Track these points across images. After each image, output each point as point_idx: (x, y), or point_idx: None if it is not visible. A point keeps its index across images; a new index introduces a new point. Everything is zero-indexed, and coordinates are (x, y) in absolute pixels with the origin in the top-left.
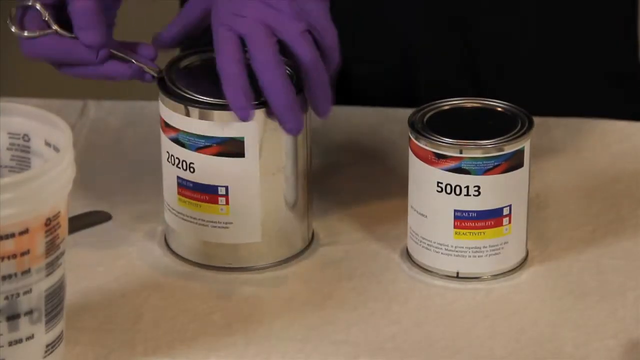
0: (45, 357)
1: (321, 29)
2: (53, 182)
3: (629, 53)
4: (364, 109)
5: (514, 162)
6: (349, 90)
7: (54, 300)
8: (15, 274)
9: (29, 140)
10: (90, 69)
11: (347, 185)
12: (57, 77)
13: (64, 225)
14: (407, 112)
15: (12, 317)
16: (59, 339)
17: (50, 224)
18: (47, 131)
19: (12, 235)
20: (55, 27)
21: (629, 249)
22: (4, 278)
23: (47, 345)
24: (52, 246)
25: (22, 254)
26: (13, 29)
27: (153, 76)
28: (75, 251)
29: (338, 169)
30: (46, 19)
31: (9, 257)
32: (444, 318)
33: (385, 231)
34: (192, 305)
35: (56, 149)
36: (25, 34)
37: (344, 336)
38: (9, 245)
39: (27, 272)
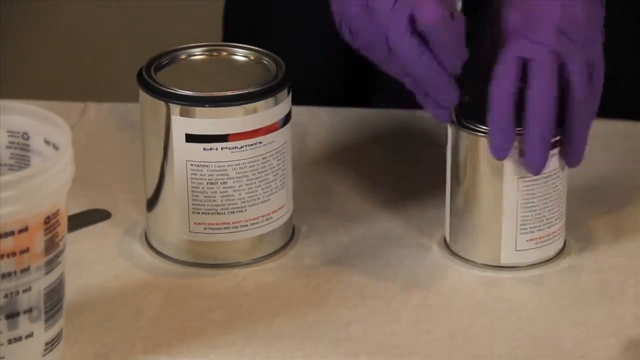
0: (44, 355)
1: (596, 66)
2: (52, 180)
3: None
4: (384, 111)
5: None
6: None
7: (54, 299)
8: (15, 272)
9: (28, 138)
10: (444, 78)
11: (346, 183)
12: (58, 79)
13: (64, 223)
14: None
15: (12, 315)
16: (58, 337)
17: (49, 222)
18: (46, 129)
19: (12, 233)
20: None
21: (628, 248)
22: (4, 276)
23: (46, 344)
24: (51, 244)
25: (22, 252)
26: None
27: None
28: (74, 249)
29: (339, 168)
30: None
31: (8, 255)
32: (443, 316)
33: (386, 229)
34: (191, 304)
35: (55, 147)
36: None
37: (343, 334)
38: (8, 243)
39: (26, 270)
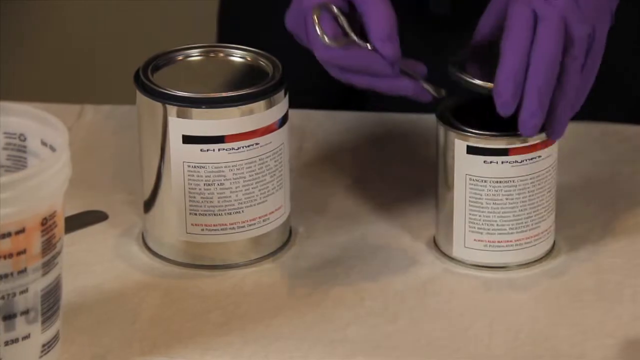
0: (41, 356)
1: (596, 46)
2: (50, 182)
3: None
4: (377, 115)
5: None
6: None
7: (50, 300)
8: (12, 274)
9: (25, 139)
10: (381, 81)
11: (343, 184)
12: (54, 82)
13: (61, 224)
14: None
15: (9, 317)
16: (55, 339)
17: (46, 224)
18: (43, 131)
19: (9, 235)
20: (354, 37)
21: (626, 248)
22: (0, 277)
23: (43, 345)
24: (48, 246)
25: (19, 254)
26: (318, 32)
27: (434, 97)
28: (71, 251)
29: (336, 169)
30: (343, 25)
31: (5, 257)
32: (442, 317)
33: (383, 230)
34: (188, 305)
35: (52, 149)
36: (328, 41)
37: (341, 335)
38: (5, 245)
39: (23, 271)
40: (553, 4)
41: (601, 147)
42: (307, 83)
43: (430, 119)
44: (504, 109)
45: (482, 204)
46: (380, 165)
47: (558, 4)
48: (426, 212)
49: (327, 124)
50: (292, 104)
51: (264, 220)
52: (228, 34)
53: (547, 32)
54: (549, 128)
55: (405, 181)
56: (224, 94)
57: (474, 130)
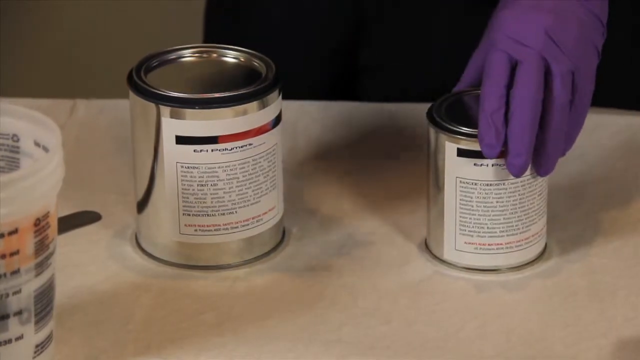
0: (34, 357)
1: (582, 82)
2: (43, 182)
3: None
4: (372, 105)
5: None
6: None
7: (44, 301)
8: (5, 274)
9: (18, 140)
10: None
11: (337, 185)
12: (46, 77)
13: (54, 225)
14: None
15: (2, 318)
16: (48, 339)
17: (39, 224)
18: (36, 131)
19: (2, 236)
20: None
21: (619, 249)
22: None
23: (36, 346)
24: (41, 246)
25: (12, 254)
26: None
27: None
28: (65, 251)
29: (329, 167)
30: None
31: None
32: (435, 318)
33: (377, 230)
34: (182, 305)
35: (45, 149)
36: None
37: (335, 336)
38: None
39: (16, 272)
40: (530, 45)
41: (592, 142)
42: (297, 74)
43: (425, 108)
44: (487, 151)
45: (472, 206)
46: (375, 162)
47: (536, 46)
48: (420, 210)
49: (320, 117)
50: (284, 96)
51: (257, 221)
52: (215, 27)
53: (526, 74)
54: (539, 166)
55: (400, 178)
56: (217, 95)
57: (465, 133)
